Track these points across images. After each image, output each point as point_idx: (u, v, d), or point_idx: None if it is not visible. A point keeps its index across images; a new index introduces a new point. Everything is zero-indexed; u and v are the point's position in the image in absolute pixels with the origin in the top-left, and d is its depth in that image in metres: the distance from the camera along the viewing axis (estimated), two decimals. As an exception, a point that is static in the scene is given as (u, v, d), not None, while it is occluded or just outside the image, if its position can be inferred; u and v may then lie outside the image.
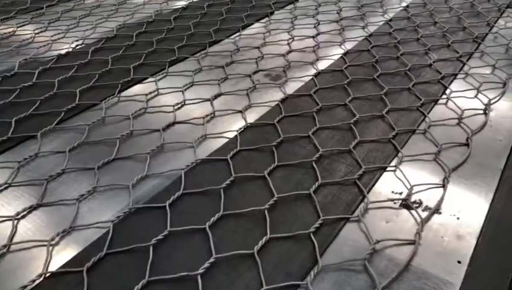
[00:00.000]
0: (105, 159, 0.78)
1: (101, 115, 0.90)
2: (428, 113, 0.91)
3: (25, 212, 0.67)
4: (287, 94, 0.98)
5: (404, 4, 1.50)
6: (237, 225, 0.65)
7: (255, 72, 1.08)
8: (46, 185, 0.72)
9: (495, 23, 1.34)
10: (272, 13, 1.43)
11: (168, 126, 0.88)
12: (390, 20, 1.37)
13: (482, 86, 1.01)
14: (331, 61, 1.14)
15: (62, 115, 0.90)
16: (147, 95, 0.97)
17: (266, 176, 0.73)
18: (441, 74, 1.05)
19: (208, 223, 0.64)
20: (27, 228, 0.65)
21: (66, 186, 0.73)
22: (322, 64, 1.13)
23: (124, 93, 0.99)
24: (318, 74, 1.07)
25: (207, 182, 0.72)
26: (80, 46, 1.21)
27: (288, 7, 1.49)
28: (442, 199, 0.69)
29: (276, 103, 0.95)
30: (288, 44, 1.23)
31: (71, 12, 1.43)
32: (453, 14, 1.40)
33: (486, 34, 1.27)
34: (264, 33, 1.29)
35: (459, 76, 1.06)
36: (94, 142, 0.83)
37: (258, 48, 1.20)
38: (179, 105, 0.95)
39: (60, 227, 0.64)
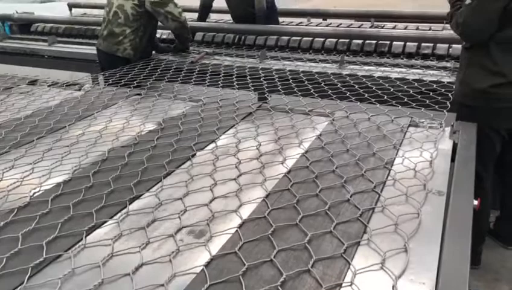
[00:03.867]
0: None
1: (6, 315, 0.81)
2: (352, 259, 0.92)
3: None
4: (212, 255, 0.96)
5: (317, 132, 1.59)
6: None
7: (178, 231, 1.06)
8: None
9: (400, 145, 1.45)
10: (193, 156, 1.46)
11: (84, 317, 0.81)
12: (306, 151, 1.44)
13: (399, 219, 1.05)
14: (255, 205, 1.15)
15: (-41, 321, 0.80)
16: (60, 278, 0.90)
17: None
18: (359, 209, 1.09)
19: None
20: None
21: None
22: (246, 210, 1.13)
23: (34, 279, 0.91)
24: (242, 223, 1.07)
25: None
26: (-13, 221, 1.13)
27: (210, 147, 1.53)
28: None
29: (201, 267, 0.92)
30: (211, 190, 1.23)
31: (-19, 179, 1.36)
32: (362, 139, 1.51)
33: (395, 158, 1.36)
34: (186, 181, 1.29)
35: (376, 209, 1.10)
36: None
37: (180, 199, 1.19)
38: (97, 286, 0.88)
39: None
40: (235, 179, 1.28)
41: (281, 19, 4.11)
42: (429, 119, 1.64)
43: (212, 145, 1.54)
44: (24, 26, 4.41)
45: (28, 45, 3.81)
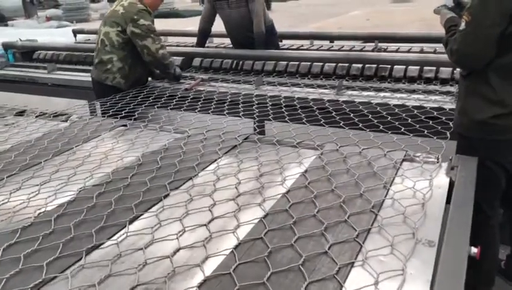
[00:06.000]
0: None
1: None
2: (321, 331, 0.80)
3: None
4: (163, 322, 0.84)
5: (303, 168, 1.48)
6: None
7: (132, 289, 0.94)
8: None
9: (391, 185, 1.32)
10: (166, 196, 1.35)
11: None
12: (288, 191, 1.32)
13: (380, 276, 0.92)
14: (222, 258, 1.04)
15: None
16: None
17: None
18: (337, 264, 0.97)
19: None
20: None
21: None
22: (211, 264, 1.01)
23: None
24: (204, 281, 0.95)
25: None
26: None
27: (186, 186, 1.42)
28: None
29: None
30: (177, 238, 1.12)
31: None
32: (350, 176, 1.38)
33: (383, 200, 1.23)
34: (152, 227, 1.18)
35: (356, 263, 0.98)
36: None
37: (142, 249, 1.08)
38: None
39: None
40: (205, 225, 1.17)
41: (283, 42, 4.05)
42: (425, 152, 1.51)
43: (189, 183, 1.43)
44: (27, 53, 4.42)
45: (27, 73, 3.79)
